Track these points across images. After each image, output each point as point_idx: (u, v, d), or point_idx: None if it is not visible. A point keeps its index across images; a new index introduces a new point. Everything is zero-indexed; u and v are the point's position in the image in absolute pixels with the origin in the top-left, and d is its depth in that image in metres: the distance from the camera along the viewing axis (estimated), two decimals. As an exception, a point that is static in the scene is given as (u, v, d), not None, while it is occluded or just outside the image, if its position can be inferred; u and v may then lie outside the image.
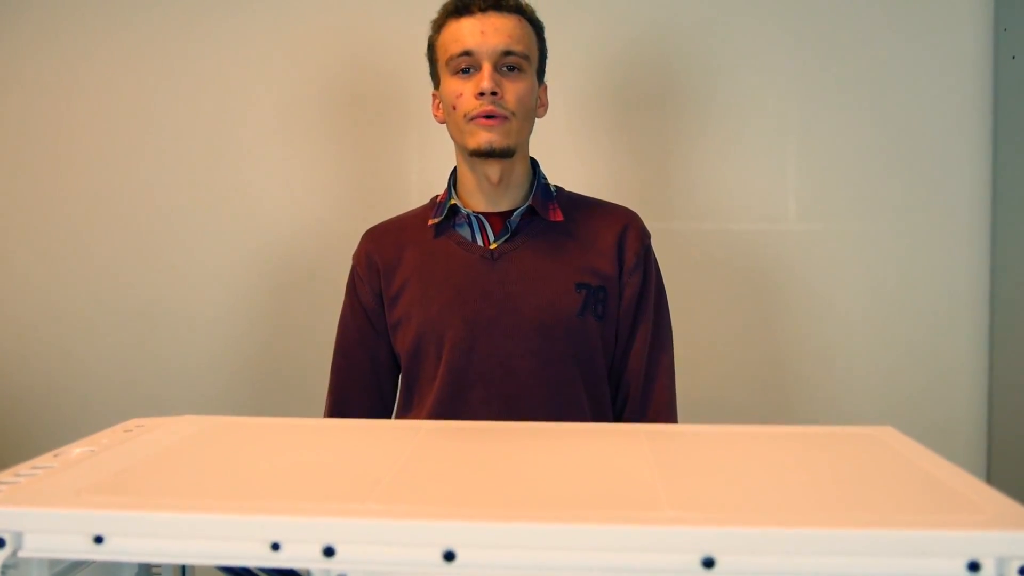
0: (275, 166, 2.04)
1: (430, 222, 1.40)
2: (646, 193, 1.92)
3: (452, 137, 1.39)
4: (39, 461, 0.69)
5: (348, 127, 2.02)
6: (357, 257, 1.45)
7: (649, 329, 1.39)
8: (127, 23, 2.05)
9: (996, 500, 0.58)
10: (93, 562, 0.66)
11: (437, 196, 1.45)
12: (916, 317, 1.94)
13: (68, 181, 2.06)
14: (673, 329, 1.44)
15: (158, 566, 0.76)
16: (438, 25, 1.37)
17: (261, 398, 2.03)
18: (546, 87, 1.42)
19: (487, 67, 1.30)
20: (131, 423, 0.83)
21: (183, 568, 0.78)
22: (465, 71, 1.32)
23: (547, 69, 1.42)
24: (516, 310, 1.33)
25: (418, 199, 1.89)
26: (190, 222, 2.04)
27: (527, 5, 1.37)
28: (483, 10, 1.32)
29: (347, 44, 2.01)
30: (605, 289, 1.35)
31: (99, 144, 2.05)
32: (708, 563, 0.54)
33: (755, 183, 1.94)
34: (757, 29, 1.93)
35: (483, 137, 1.31)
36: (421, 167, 1.99)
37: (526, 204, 1.37)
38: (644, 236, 1.40)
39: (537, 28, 1.39)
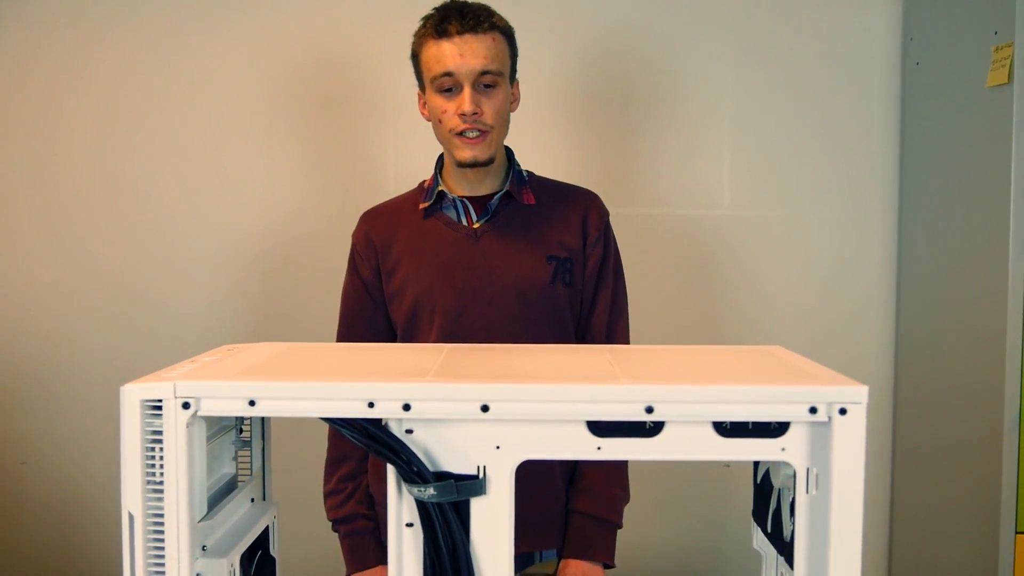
0: (258, 160, 2.22)
1: (421, 205, 1.58)
2: (606, 183, 2.16)
3: (438, 140, 1.56)
4: (182, 364, 0.98)
5: (327, 122, 2.21)
6: (356, 236, 1.63)
7: (609, 295, 1.59)
8: (113, 29, 2.21)
9: (834, 375, 0.89)
10: (245, 420, 0.96)
11: (424, 181, 1.63)
12: (832, 290, 2.24)
13: (64, 178, 2.24)
14: (628, 296, 1.65)
15: (248, 426, 1.05)
16: (420, 40, 1.51)
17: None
18: (518, 83, 1.58)
19: (467, 89, 1.47)
20: (227, 347, 1.12)
21: (263, 428, 1.07)
22: (447, 90, 1.49)
23: (521, 67, 1.58)
24: (498, 280, 1.53)
25: (394, 187, 2.09)
26: (178, 215, 2.23)
27: (499, 18, 1.51)
28: (460, 33, 1.46)
29: (325, 43, 2.19)
30: (572, 260, 1.55)
31: (93, 143, 2.23)
32: (649, 410, 0.84)
33: (697, 175, 2.23)
34: (703, 44, 2.21)
35: (467, 153, 1.50)
36: (396, 157, 2.19)
37: (503, 189, 1.56)
38: (604, 214, 1.62)
39: (508, 36, 1.53)
